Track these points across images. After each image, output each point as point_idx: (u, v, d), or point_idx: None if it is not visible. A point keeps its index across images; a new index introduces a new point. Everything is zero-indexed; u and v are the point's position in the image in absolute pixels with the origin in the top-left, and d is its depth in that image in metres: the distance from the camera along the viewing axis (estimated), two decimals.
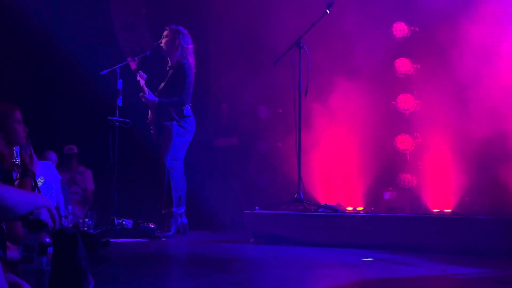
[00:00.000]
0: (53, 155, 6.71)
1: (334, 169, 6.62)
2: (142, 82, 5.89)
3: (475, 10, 5.75)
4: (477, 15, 5.75)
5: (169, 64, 6.08)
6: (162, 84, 6.06)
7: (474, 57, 5.67)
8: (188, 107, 5.94)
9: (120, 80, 5.89)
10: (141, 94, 5.89)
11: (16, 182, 3.05)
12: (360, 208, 6.29)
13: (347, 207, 6.33)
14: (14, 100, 3.30)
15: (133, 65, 5.91)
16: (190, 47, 6.03)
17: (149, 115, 6.02)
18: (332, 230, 5.00)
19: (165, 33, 6.05)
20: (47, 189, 5.81)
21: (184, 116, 5.89)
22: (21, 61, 7.46)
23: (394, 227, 4.83)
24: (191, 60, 6.00)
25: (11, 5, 7.17)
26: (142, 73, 5.92)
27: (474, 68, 5.66)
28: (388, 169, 6.44)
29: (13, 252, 2.41)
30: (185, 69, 5.89)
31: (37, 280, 1.87)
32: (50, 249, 1.91)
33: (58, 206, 5.58)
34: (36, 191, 3.13)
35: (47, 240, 1.90)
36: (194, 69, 6.02)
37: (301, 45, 5.57)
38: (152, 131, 6.02)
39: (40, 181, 5.67)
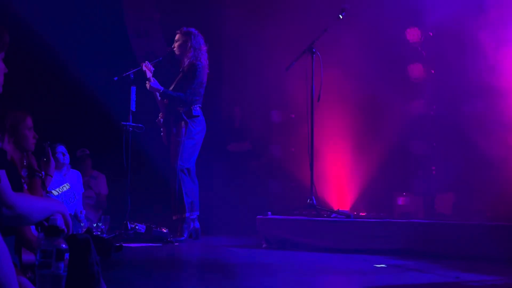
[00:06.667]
0: None
1: (347, 174, 6.60)
2: (148, 74, 5.89)
3: (487, 15, 5.72)
4: (489, 20, 5.72)
5: (182, 67, 6.07)
6: (172, 86, 6.02)
7: (487, 62, 5.63)
8: (197, 107, 5.88)
9: (134, 85, 5.93)
10: (146, 82, 5.89)
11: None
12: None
13: (360, 212, 6.29)
14: (29, 105, 3.35)
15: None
16: (204, 48, 6.00)
17: (160, 116, 6.04)
18: (345, 235, 4.97)
19: (177, 36, 6.03)
20: (69, 196, 5.86)
21: (192, 116, 5.84)
22: (36, 65, 7.53)
23: (407, 233, 4.80)
24: (204, 61, 5.96)
25: (22, 14, 7.21)
26: (149, 65, 5.91)
27: (487, 73, 5.62)
28: (401, 174, 6.40)
29: (24, 255, 2.43)
30: (196, 70, 5.85)
31: (53, 286, 1.89)
32: (66, 255, 1.93)
33: (76, 213, 5.62)
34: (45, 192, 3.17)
35: (64, 246, 1.92)
36: (208, 70, 6.01)
37: (314, 50, 5.57)
38: (162, 133, 6.04)
39: (65, 187, 5.72)
